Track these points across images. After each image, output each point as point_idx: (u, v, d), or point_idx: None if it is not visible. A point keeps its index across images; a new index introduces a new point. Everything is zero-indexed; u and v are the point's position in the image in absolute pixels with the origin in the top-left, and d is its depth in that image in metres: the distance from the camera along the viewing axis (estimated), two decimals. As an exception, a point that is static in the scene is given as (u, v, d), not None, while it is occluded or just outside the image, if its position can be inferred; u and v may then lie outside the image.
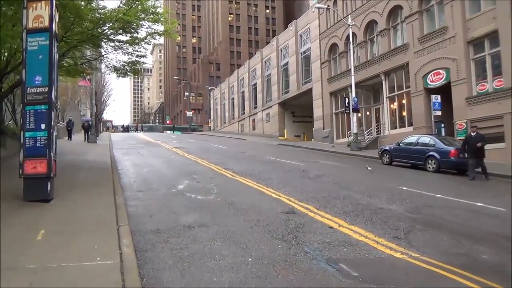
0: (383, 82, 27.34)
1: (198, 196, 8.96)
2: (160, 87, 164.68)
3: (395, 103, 26.96)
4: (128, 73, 17.02)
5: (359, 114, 27.51)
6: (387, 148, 18.14)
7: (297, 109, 44.09)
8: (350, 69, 28.83)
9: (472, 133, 14.20)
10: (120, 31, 13.62)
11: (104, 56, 15.65)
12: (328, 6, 28.72)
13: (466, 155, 13.90)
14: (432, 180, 12.94)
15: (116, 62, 16.59)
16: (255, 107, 51.65)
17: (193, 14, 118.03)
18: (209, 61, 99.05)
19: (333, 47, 33.25)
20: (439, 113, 20.24)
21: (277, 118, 44.43)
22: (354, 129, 26.17)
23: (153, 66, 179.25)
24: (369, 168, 14.58)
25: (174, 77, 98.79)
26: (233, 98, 60.92)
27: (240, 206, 7.86)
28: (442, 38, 22.18)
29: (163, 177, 12.00)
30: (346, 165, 16.64)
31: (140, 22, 13.31)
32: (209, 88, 74.64)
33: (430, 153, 15.45)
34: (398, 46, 25.64)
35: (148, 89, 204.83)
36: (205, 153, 20.45)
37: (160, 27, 14.80)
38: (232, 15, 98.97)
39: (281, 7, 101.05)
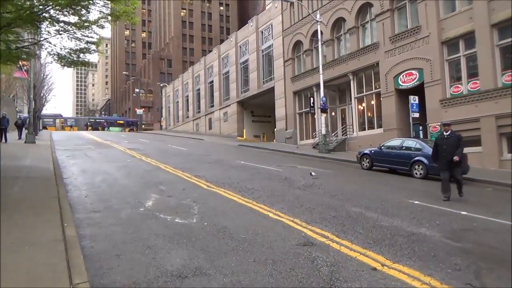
0: (351, 82, 26.39)
1: (177, 218, 6.88)
2: (107, 83, 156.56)
3: (364, 104, 26.10)
4: (75, 63, 14.29)
5: (325, 115, 26.27)
6: (367, 152, 16.90)
7: (257, 109, 42.53)
8: (317, 68, 27.68)
9: (445, 133, 10.03)
10: (68, 9, 11.05)
11: (46, 40, 12.90)
12: (295, 0, 27.26)
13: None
14: (432, 189, 11.66)
15: (61, 49, 13.82)
16: (212, 106, 49.38)
17: (143, 7, 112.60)
18: (160, 57, 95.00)
19: (298, 44, 31.95)
20: (417, 115, 19.44)
21: (236, 118, 42.52)
22: (322, 130, 24.93)
23: (98, 61, 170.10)
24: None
25: (123, 73, 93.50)
26: (187, 96, 58.11)
27: (238, 235, 5.92)
28: (415, 38, 21.47)
29: (123, 189, 9.71)
30: (328, 171, 15.13)
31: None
32: (161, 85, 71.05)
33: (417, 158, 14.35)
34: (368, 45, 24.74)
35: (93, 85, 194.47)
36: (165, 156, 18.13)
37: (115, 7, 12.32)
38: (185, 11, 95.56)
39: (235, 4, 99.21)
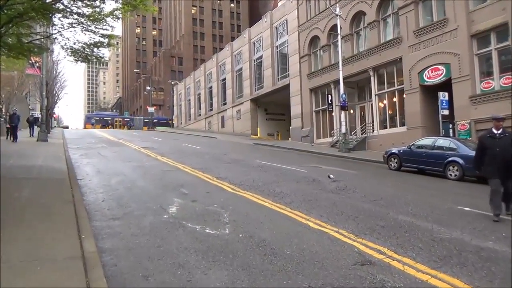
0: (372, 78, 25.37)
1: (207, 228, 6.08)
2: (117, 81, 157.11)
3: (385, 101, 25.07)
4: (89, 57, 13.62)
5: (345, 112, 25.23)
6: (395, 151, 15.95)
7: (271, 106, 41.67)
8: (335, 64, 26.97)
9: (495, 130, 7.71)
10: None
11: (59, 33, 12.22)
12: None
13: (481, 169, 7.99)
14: (475, 193, 10.72)
15: (74, 43, 13.16)
16: (224, 104, 48.62)
17: (153, 5, 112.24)
18: (171, 54, 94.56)
19: (314, 40, 31.00)
20: (446, 112, 18.41)
21: (249, 116, 41.71)
22: (342, 128, 24.02)
23: (109, 59, 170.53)
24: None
25: (135, 70, 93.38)
26: (199, 94, 57.45)
27: (282, 251, 5.10)
28: (441, 31, 20.41)
29: (143, 193, 8.96)
30: (356, 172, 14.25)
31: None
32: (173, 82, 70.55)
33: (452, 158, 13.38)
34: (390, 40, 23.71)
35: (104, 83, 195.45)
36: (181, 155, 17.40)
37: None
38: (195, 8, 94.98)
39: (246, 2, 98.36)
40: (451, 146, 13.86)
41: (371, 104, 26.26)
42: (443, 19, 20.27)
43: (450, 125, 18.52)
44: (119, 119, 72.01)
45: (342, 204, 8.12)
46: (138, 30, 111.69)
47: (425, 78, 21.35)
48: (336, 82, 27.59)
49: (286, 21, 35.04)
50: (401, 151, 15.56)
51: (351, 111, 28.82)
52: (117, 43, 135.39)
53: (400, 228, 6.36)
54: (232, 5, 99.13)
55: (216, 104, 51.09)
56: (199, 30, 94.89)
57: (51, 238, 5.18)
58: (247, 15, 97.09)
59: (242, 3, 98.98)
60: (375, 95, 25.33)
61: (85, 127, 60.76)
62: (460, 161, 13.08)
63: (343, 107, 23.99)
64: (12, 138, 21.32)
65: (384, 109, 25.42)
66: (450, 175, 13.38)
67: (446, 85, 20.08)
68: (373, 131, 25.58)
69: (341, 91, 24.17)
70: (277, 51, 37.35)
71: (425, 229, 6.35)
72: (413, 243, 5.62)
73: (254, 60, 41.48)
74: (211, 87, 53.13)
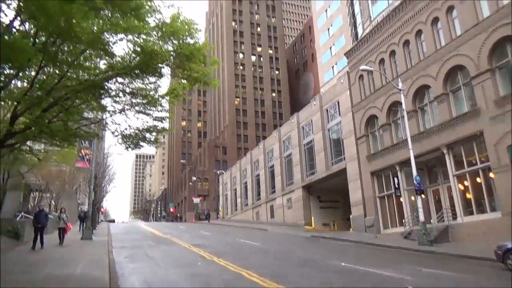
0: (447, 156, 22.34)
1: None
2: (163, 173, 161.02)
3: (467, 182, 21.63)
4: (140, 144, 12.06)
5: (421, 197, 21.89)
6: (514, 245, 12.44)
7: (324, 193, 38.63)
8: (398, 144, 24.82)
9: None
10: (137, 72, 8.79)
11: (110, 116, 10.84)
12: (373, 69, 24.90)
13: None
14: None
15: (126, 128, 11.69)
16: (273, 192, 46.17)
17: (198, 99, 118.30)
18: (216, 145, 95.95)
19: (371, 119, 28.94)
20: None
21: (302, 204, 38.67)
22: (420, 216, 20.55)
23: (156, 152, 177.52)
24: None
25: (181, 161, 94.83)
26: (245, 182, 55.65)
27: None
28: (532, 98, 17.73)
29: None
30: (473, 277, 10.85)
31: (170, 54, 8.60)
32: (218, 172, 69.82)
33: None
34: (465, 113, 21.10)
35: (150, 175, 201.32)
36: (239, 256, 14.67)
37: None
38: (238, 99, 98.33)
39: (287, 90, 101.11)
40: None
41: (447, 187, 22.90)
42: (532, 85, 17.74)
43: None
44: None
45: None
46: (183, 123, 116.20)
47: (518, 153, 18.18)
48: (402, 164, 24.89)
49: (338, 102, 33.66)
50: (525, 245, 12.06)
51: (422, 196, 25.34)
52: (164, 136, 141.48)
53: None
54: (273, 94, 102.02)
55: (264, 193, 48.74)
56: (242, 120, 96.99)
57: None
58: (288, 102, 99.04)
59: (283, 92, 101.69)
60: (454, 175, 22.05)
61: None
62: None
63: (418, 191, 20.82)
64: (33, 244, 16.20)
65: (463, 192, 21.90)
66: None
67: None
68: (456, 218, 21.82)
69: (414, 172, 21.18)
70: (329, 134, 35.52)
71: None
72: None
73: (304, 145, 39.73)
74: (258, 175, 51.36)
